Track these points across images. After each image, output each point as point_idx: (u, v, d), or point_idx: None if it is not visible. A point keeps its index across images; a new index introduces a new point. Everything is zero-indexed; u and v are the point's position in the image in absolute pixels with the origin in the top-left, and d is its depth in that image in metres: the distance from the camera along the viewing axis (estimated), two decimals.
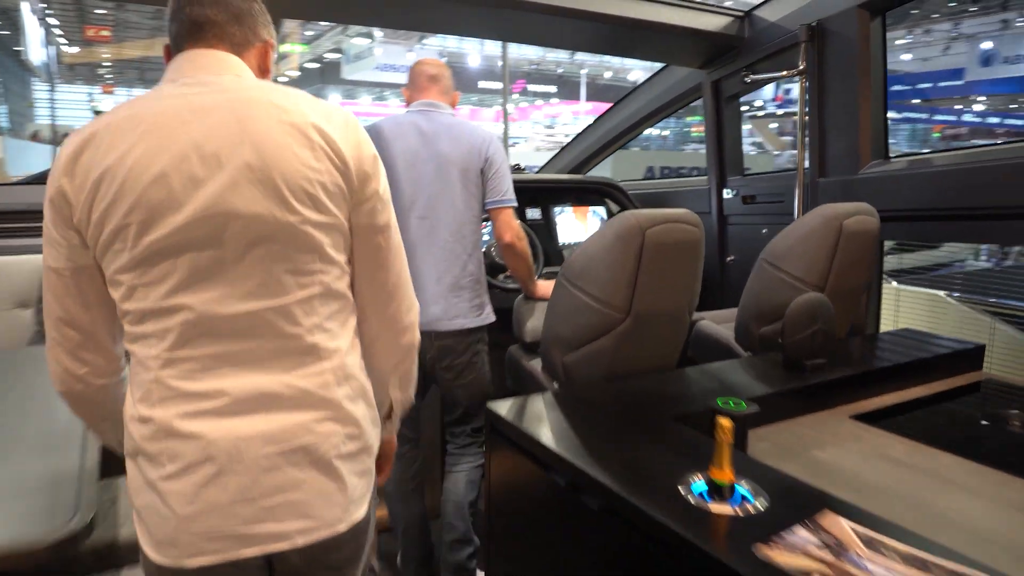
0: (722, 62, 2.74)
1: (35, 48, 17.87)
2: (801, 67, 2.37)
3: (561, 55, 33.47)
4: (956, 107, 24.46)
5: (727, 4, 2.60)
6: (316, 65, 27.57)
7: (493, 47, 33.57)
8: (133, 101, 0.93)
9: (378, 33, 23.88)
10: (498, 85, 33.29)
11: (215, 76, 0.95)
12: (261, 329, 0.92)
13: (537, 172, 3.41)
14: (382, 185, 1.02)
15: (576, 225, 3.07)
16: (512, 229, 2.00)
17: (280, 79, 23.63)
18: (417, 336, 1.12)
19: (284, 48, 22.89)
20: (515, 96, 34.80)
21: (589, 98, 30.04)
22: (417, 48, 29.63)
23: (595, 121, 3.44)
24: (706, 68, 2.81)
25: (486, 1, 2.14)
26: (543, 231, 2.97)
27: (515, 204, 2.01)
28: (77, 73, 34.23)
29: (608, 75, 34.93)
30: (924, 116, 26.14)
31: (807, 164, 2.47)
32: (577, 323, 1.72)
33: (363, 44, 23.20)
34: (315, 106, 0.97)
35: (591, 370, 1.73)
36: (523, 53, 34.08)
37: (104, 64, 32.82)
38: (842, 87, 2.32)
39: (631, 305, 1.67)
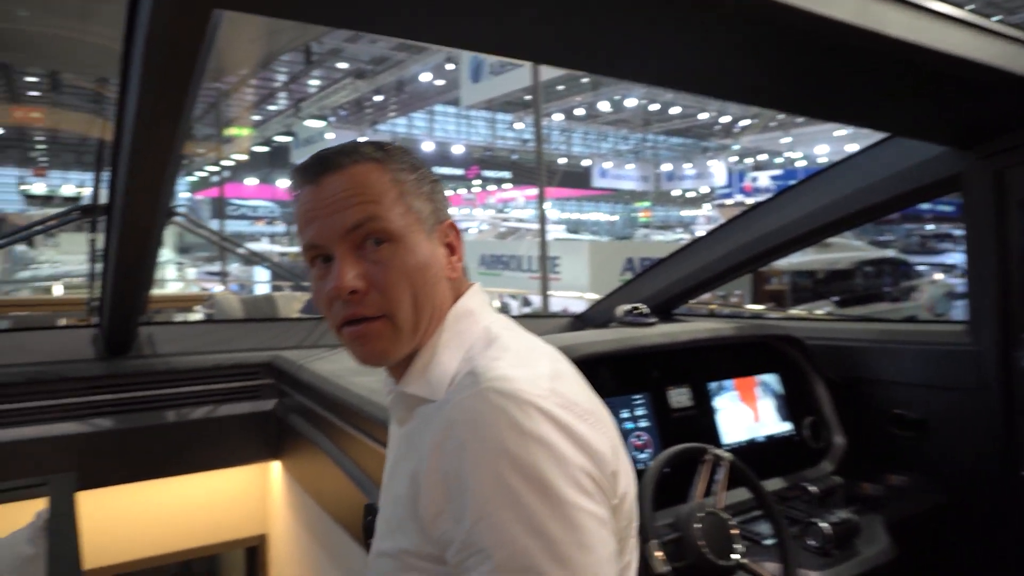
0: (1014, 139, 1.57)
1: None
2: None
3: (511, 140, 33.34)
4: None
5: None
6: (265, 149, 26.43)
7: (444, 131, 33.25)
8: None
9: (330, 116, 23.04)
10: (454, 171, 32.81)
11: None
12: None
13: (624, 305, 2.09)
14: None
15: (742, 411, 1.79)
16: None
17: (225, 162, 22.37)
18: None
19: (231, 132, 21.70)
20: (470, 181, 34.32)
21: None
22: (369, 132, 28.91)
23: (726, 224, 2.21)
24: (975, 147, 1.64)
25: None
26: (699, 427, 1.67)
27: None
28: (7, 156, 32.32)
29: (563, 161, 34.84)
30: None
31: None
32: None
33: (315, 127, 22.20)
34: None
35: None
36: (475, 139, 33.85)
37: (36, 146, 31.11)
38: None
39: None
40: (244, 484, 2.53)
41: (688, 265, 2.32)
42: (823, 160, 29.38)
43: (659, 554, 1.12)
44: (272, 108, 25.06)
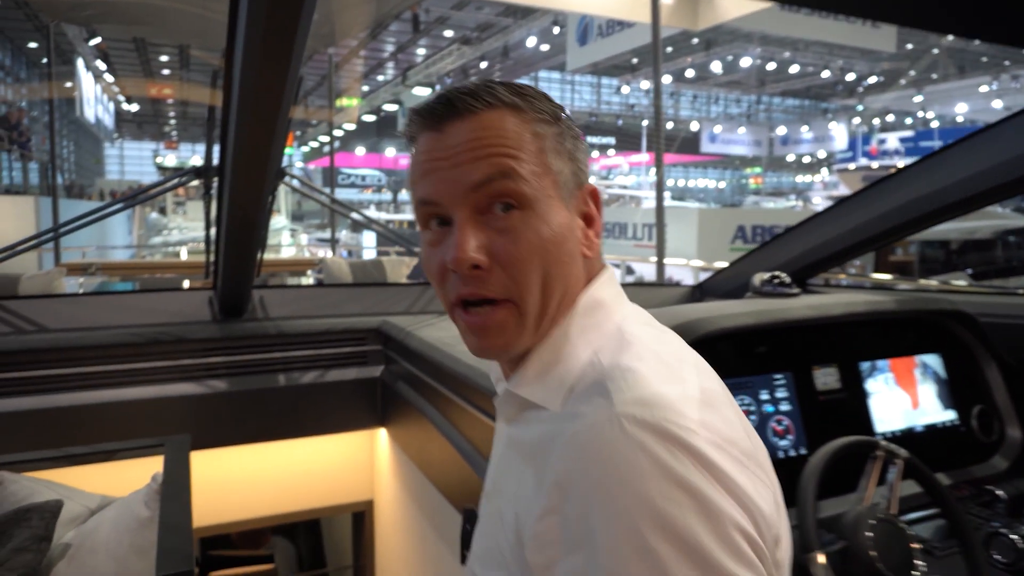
0: None
1: (89, 106, 17.57)
2: None
3: (616, 105, 32.41)
4: None
5: None
6: (373, 118, 27.09)
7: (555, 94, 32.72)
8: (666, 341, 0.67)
9: (437, 84, 23.22)
10: None
11: None
12: None
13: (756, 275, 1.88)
14: None
15: (898, 396, 1.56)
16: None
17: (336, 132, 23.10)
18: None
19: (341, 102, 22.34)
20: None
21: (649, 148, 28.69)
22: None
23: (869, 188, 1.94)
24: None
25: None
26: (848, 413, 1.47)
27: None
28: (144, 131, 34.92)
29: (670, 125, 33.64)
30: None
31: None
32: None
33: (422, 95, 22.49)
34: None
35: None
36: (578, 105, 33.22)
37: (169, 121, 33.37)
38: None
39: None
40: (352, 450, 2.53)
41: (826, 232, 2.08)
42: (961, 121, 26.86)
43: (822, 560, 0.95)
44: (380, 78, 25.58)
